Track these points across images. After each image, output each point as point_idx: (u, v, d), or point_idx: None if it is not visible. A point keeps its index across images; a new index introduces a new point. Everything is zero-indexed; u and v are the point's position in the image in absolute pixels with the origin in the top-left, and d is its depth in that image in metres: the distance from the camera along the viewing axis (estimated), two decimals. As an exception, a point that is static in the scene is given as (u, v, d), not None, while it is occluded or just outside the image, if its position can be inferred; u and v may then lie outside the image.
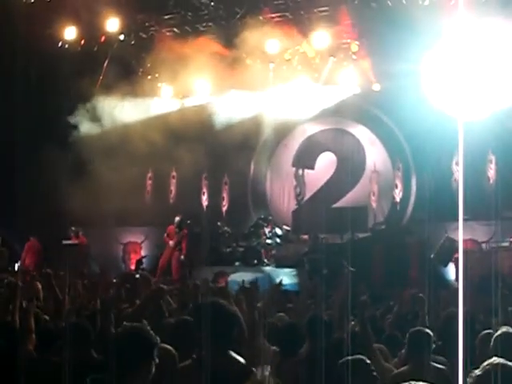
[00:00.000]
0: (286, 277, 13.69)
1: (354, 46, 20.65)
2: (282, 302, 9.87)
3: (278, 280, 12.78)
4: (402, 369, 6.32)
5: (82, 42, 21.81)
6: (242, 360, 4.99)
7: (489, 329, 6.73)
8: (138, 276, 10.18)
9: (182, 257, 20.48)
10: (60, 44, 21.65)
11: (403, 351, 6.74)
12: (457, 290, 6.01)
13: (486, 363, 3.95)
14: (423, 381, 2.69)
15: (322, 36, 20.36)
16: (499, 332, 6.22)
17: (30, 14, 19.82)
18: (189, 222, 21.09)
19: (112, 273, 16.49)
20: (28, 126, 18.77)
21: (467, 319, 6.22)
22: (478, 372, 3.91)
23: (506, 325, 6.45)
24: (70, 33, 21.52)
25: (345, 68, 21.24)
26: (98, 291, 9.27)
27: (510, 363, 3.97)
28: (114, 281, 11.52)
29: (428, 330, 6.51)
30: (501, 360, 3.97)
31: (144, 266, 20.96)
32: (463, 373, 4.12)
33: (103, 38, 21.86)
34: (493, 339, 6.17)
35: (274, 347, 6.52)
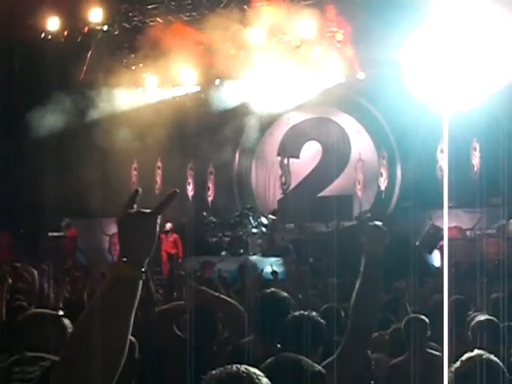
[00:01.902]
0: (272, 265, 13.66)
1: (339, 35, 20.64)
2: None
3: (268, 268, 12.83)
4: (400, 358, 6.34)
5: (65, 32, 21.65)
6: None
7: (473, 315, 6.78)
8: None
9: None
10: (43, 35, 21.49)
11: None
12: (442, 276, 6.03)
13: (465, 356, 4.00)
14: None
15: (306, 25, 20.33)
16: (480, 319, 6.29)
17: (12, 4, 19.69)
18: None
19: (100, 265, 16.47)
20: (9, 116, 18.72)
21: (452, 306, 6.27)
22: (457, 364, 3.98)
23: (488, 312, 6.51)
24: (52, 23, 21.34)
25: (330, 57, 21.23)
26: (84, 284, 9.27)
27: (489, 355, 4.00)
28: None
29: (423, 317, 6.54)
30: (480, 352, 4.01)
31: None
32: (448, 359, 4.13)
33: (86, 29, 21.72)
34: (472, 326, 6.25)
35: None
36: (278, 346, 4.64)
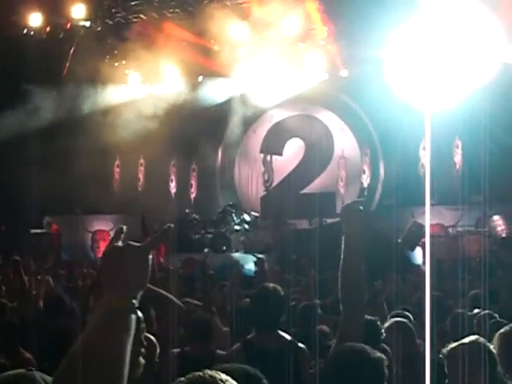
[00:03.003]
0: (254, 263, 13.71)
1: (322, 32, 20.66)
2: (248, 287, 9.91)
3: (251, 266, 12.84)
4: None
5: (48, 28, 21.56)
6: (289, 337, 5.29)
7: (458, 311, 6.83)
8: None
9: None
10: (25, 31, 21.38)
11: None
12: (424, 273, 6.08)
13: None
14: None
15: (290, 22, 20.33)
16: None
17: (-6, 0, 19.60)
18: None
19: (82, 262, 16.45)
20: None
21: (434, 302, 6.30)
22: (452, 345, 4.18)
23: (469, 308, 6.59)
24: (35, 19, 21.24)
25: (313, 54, 21.25)
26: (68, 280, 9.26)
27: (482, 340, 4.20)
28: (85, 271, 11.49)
29: (408, 313, 6.58)
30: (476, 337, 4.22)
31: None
32: (430, 355, 4.19)
33: (69, 25, 21.64)
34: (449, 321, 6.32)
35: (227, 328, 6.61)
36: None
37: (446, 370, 4.45)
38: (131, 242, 2.25)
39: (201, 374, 2.35)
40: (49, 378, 2.53)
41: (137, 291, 2.23)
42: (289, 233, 19.22)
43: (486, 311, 6.49)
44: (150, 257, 2.23)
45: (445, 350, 4.45)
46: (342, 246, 4.13)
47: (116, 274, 2.23)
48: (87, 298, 7.70)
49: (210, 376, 2.34)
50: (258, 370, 2.52)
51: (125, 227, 2.33)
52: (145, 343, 3.96)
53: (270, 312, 5.26)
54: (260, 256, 14.99)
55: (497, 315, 6.57)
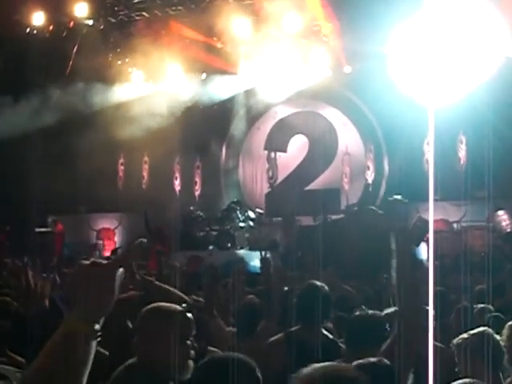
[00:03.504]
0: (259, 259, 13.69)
1: (326, 29, 20.64)
2: (253, 284, 9.90)
3: (256, 263, 12.81)
4: None
5: (51, 27, 21.58)
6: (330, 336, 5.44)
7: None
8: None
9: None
10: (28, 30, 21.41)
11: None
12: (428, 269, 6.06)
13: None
14: None
15: (293, 18, 20.32)
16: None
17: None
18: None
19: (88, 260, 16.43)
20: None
21: (437, 298, 6.30)
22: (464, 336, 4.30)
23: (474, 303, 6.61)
24: (38, 18, 21.27)
25: (316, 50, 21.23)
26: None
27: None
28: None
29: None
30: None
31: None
32: (434, 351, 4.18)
33: (72, 24, 21.66)
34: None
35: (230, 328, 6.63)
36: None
37: (456, 359, 4.53)
38: (98, 261, 2.13)
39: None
40: None
41: (99, 315, 2.09)
42: (295, 230, 19.24)
43: (483, 305, 6.55)
44: (119, 274, 2.10)
45: (455, 341, 4.55)
46: (394, 244, 4.13)
47: (79, 294, 2.09)
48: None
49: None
50: (297, 362, 2.52)
51: (101, 243, 2.26)
52: (195, 345, 3.89)
53: (317, 307, 5.36)
54: (265, 255, 14.94)
55: (492, 309, 6.61)
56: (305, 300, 5.56)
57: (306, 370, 2.35)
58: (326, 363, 2.39)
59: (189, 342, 3.83)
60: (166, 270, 8.13)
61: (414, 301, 3.91)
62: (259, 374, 3.13)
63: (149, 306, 3.99)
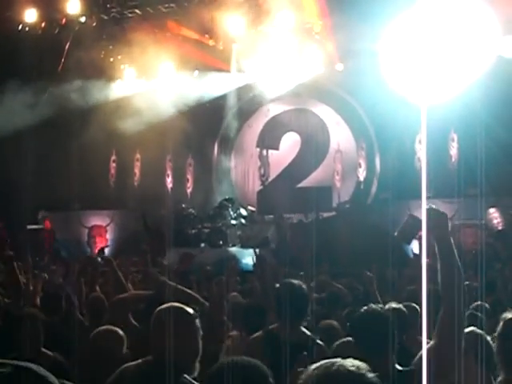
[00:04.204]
0: (253, 257, 13.70)
1: (318, 26, 20.64)
2: (244, 282, 9.92)
3: (248, 260, 12.82)
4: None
5: (43, 24, 21.52)
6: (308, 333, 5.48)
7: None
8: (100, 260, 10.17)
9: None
10: (20, 26, 21.34)
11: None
12: (420, 267, 6.08)
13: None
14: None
15: (285, 16, 20.30)
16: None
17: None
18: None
19: (78, 257, 16.43)
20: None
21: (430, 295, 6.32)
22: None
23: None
24: (30, 15, 21.20)
25: (308, 48, 21.22)
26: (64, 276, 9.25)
27: None
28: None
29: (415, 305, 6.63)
30: None
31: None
32: (427, 349, 4.21)
33: (64, 20, 21.59)
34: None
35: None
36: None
37: None
38: None
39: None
40: None
41: None
42: (286, 227, 19.26)
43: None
44: None
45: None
46: (437, 251, 4.14)
47: None
48: (80, 293, 7.73)
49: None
50: (274, 359, 2.51)
51: None
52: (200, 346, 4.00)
53: (295, 306, 5.41)
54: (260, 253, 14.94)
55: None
56: (281, 298, 5.55)
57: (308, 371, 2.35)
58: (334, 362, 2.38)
59: (199, 342, 3.96)
60: (152, 268, 8.13)
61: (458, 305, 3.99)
62: (271, 380, 3.11)
63: (163, 306, 4.08)
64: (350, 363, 2.31)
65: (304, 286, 5.66)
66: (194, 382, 3.81)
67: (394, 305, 5.44)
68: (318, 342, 5.43)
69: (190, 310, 4.04)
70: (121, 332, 5.07)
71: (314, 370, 2.32)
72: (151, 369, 3.80)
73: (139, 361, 3.97)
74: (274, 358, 2.58)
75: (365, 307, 4.84)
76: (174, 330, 3.85)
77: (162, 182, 23.59)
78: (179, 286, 5.77)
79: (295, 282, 5.73)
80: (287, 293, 5.52)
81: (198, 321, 4.02)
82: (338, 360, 2.32)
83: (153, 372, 3.76)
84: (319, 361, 2.85)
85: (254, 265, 10.31)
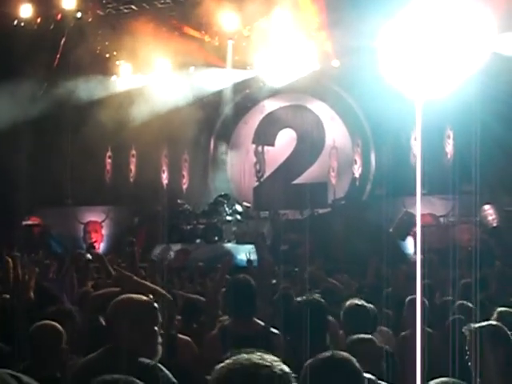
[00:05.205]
0: (247, 253, 13.70)
1: (315, 22, 20.63)
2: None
3: (243, 256, 12.83)
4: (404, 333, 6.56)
5: (38, 19, 21.48)
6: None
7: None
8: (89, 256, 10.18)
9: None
10: (16, 22, 21.30)
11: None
12: (415, 263, 6.13)
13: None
14: None
15: (281, 12, 20.30)
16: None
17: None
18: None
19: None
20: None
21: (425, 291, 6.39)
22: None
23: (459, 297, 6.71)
24: (25, 10, 21.16)
25: (305, 44, 21.21)
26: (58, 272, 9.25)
27: None
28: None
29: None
30: None
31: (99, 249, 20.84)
32: (421, 342, 4.25)
33: (60, 16, 21.56)
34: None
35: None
36: None
37: (466, 347, 4.66)
38: None
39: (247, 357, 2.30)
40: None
41: None
42: (282, 223, 19.29)
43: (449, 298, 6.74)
44: None
45: (469, 329, 4.68)
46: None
47: None
48: (72, 288, 7.75)
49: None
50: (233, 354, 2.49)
51: None
52: (162, 332, 4.19)
53: (243, 300, 5.60)
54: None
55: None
56: (232, 294, 5.75)
57: (220, 366, 2.35)
58: (246, 357, 2.37)
59: (156, 329, 4.09)
60: (141, 264, 8.13)
61: None
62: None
63: (118, 298, 4.23)
64: (259, 356, 2.32)
65: (248, 278, 5.81)
66: (153, 362, 3.93)
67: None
68: (273, 331, 5.54)
69: (144, 299, 4.19)
70: (59, 326, 5.08)
71: (223, 366, 2.32)
72: (111, 356, 3.90)
73: (99, 350, 4.09)
74: (233, 352, 2.56)
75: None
76: (130, 318, 4.01)
77: (157, 177, 23.59)
78: (144, 282, 5.80)
79: (241, 275, 5.90)
80: (233, 287, 5.75)
81: (154, 309, 4.15)
82: (246, 355, 2.32)
83: (113, 359, 3.84)
84: (278, 350, 2.85)
85: (248, 261, 10.35)
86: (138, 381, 2.97)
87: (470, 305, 6.54)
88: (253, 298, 5.67)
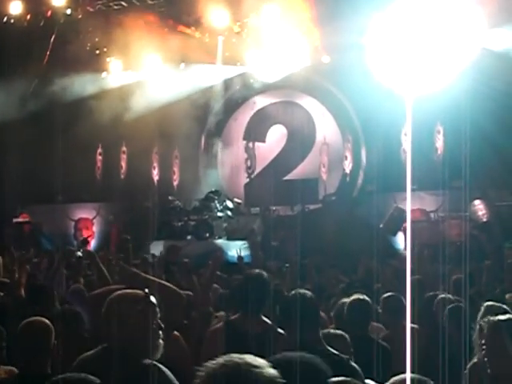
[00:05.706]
0: (237, 249, 13.74)
1: (305, 18, 20.62)
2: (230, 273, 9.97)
3: (234, 252, 12.88)
4: (383, 334, 6.52)
5: (28, 16, 21.42)
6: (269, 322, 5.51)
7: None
8: (79, 254, 10.17)
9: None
10: (5, 19, 21.23)
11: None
12: (405, 258, 6.18)
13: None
14: None
15: (271, 8, 20.30)
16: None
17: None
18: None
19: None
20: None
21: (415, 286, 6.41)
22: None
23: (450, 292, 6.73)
24: (15, 7, 21.09)
25: (295, 40, 21.21)
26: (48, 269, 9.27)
27: None
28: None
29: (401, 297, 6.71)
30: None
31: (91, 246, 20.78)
32: (411, 337, 4.27)
33: (50, 13, 21.50)
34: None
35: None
36: None
37: (484, 340, 4.66)
38: None
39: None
40: None
41: None
42: (272, 219, 19.31)
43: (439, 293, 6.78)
44: None
45: (486, 321, 4.68)
46: None
47: None
48: (62, 284, 7.75)
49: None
50: (235, 350, 2.49)
51: None
52: (162, 326, 4.03)
53: (254, 296, 5.42)
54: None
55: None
56: (242, 289, 5.64)
57: (208, 366, 2.33)
58: (232, 357, 2.36)
59: (154, 325, 3.95)
60: (135, 260, 8.14)
61: None
62: None
63: (114, 294, 4.11)
64: (249, 358, 2.31)
65: (265, 275, 5.67)
66: (150, 362, 3.84)
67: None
68: (279, 331, 5.40)
69: (141, 294, 4.04)
70: (48, 322, 5.04)
71: (212, 365, 2.31)
72: (108, 355, 3.82)
73: (97, 348, 4.02)
74: (236, 348, 2.55)
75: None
76: (126, 315, 3.91)
77: (148, 174, 23.57)
78: (152, 277, 5.75)
79: (256, 271, 5.79)
80: (247, 281, 5.61)
81: (152, 304, 4.03)
82: (236, 356, 2.31)
83: (110, 358, 3.78)
84: (281, 350, 2.85)
85: (239, 257, 10.38)
86: None
87: (454, 298, 6.57)
88: (266, 294, 5.54)
